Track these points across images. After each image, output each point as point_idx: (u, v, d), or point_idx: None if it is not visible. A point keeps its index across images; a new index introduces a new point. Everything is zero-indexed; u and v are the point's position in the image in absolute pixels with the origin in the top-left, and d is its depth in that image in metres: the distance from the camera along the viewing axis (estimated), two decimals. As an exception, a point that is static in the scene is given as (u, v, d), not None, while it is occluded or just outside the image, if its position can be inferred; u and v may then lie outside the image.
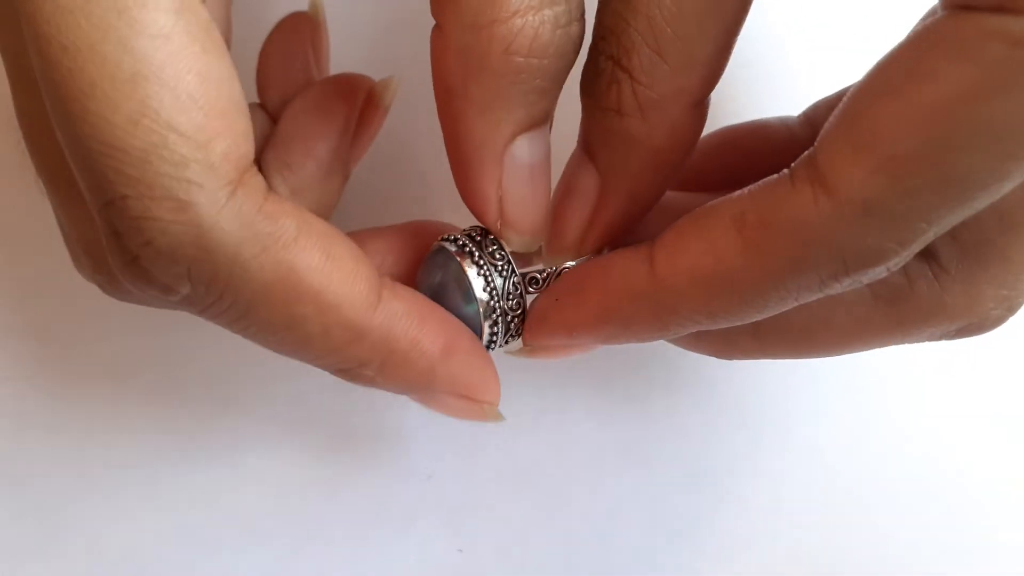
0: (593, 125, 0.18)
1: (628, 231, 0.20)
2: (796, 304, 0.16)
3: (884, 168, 0.14)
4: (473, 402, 0.20)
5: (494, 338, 0.20)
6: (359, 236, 0.23)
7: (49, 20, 0.15)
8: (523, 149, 0.18)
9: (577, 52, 0.18)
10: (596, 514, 0.26)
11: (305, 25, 0.25)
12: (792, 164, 0.16)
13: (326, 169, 0.23)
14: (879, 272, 0.15)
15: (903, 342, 0.20)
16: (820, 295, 0.16)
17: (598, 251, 0.20)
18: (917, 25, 0.15)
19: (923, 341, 0.20)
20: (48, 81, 0.15)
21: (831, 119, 0.15)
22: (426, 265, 0.21)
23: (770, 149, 0.24)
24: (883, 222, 0.14)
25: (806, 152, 0.16)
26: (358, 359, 0.18)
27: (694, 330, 0.18)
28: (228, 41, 0.24)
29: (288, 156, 0.23)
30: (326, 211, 0.24)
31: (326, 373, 0.27)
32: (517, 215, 0.19)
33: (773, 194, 0.16)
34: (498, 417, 0.21)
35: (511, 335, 0.20)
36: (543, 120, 0.18)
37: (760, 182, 0.17)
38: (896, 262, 0.15)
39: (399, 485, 0.26)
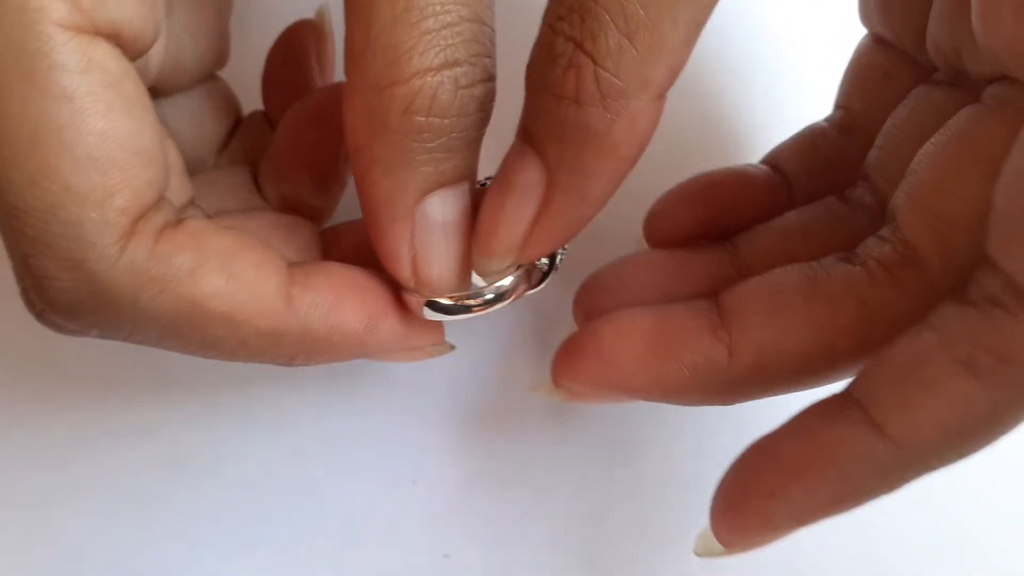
0: (542, 114, 0.17)
1: (570, 238, 0.19)
2: None
3: None
4: (414, 351, 0.21)
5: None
6: (338, 229, 0.23)
7: None
8: (435, 207, 0.18)
9: (486, 111, 0.18)
10: (582, 517, 0.26)
11: (310, 34, 0.25)
12: (982, 294, 0.16)
13: (322, 179, 0.23)
14: None
15: None
16: None
17: (536, 260, 0.19)
18: None
19: None
20: None
21: (1005, 253, 0.16)
22: None
23: (750, 194, 0.24)
24: None
25: (996, 283, 0.16)
26: (284, 356, 0.19)
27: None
28: (225, 54, 0.24)
29: (282, 168, 0.23)
30: (323, 218, 0.24)
31: (308, 378, 0.26)
32: (430, 274, 0.19)
33: (997, 330, 0.16)
34: (446, 350, 0.21)
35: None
36: (456, 178, 0.18)
37: (952, 317, 0.16)
38: None
39: (383, 491, 0.26)
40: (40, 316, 0.18)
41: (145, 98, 0.17)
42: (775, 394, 0.19)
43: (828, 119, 0.25)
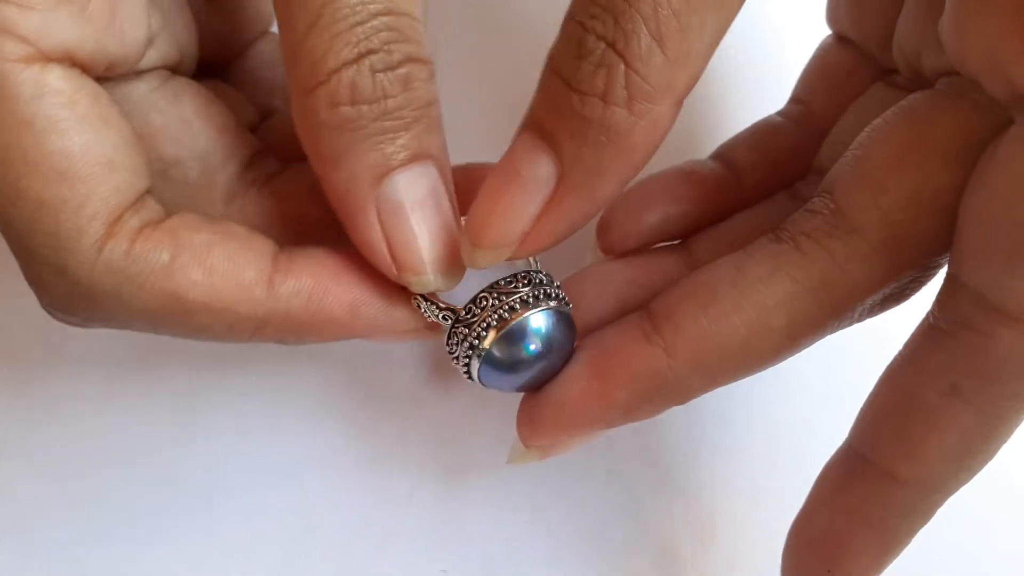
0: (562, 109, 0.17)
1: (566, 237, 0.19)
2: None
3: None
4: (404, 332, 0.21)
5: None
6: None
7: None
8: (396, 189, 0.18)
9: (416, 90, 0.18)
10: (580, 532, 0.25)
11: None
12: (951, 318, 0.17)
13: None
14: None
15: (836, 328, 0.19)
16: None
17: (530, 256, 0.19)
18: None
19: (852, 324, 0.20)
20: None
21: (976, 267, 0.16)
22: None
23: (698, 194, 0.23)
24: None
25: (963, 303, 0.16)
26: (273, 337, 0.20)
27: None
28: (268, 25, 0.25)
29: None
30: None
31: (303, 393, 0.26)
32: (405, 257, 0.19)
33: (975, 354, 0.16)
34: (436, 333, 0.21)
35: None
36: (411, 158, 0.18)
37: (927, 348, 0.17)
38: None
39: (380, 506, 0.26)
40: (49, 310, 0.19)
41: (103, 109, 0.18)
42: (722, 384, 0.19)
43: (782, 113, 0.25)
